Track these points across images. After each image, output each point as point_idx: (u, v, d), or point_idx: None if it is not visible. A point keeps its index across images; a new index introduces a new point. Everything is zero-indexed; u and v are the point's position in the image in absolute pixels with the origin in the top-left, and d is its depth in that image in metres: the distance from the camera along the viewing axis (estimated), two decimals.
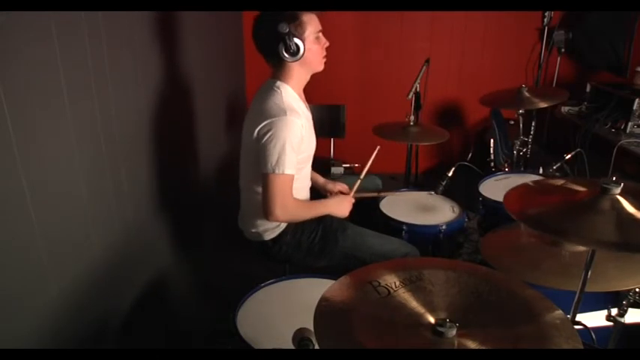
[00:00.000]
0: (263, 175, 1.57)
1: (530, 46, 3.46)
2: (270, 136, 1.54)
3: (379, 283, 1.01)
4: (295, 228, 1.76)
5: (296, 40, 1.56)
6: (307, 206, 1.76)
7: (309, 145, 1.69)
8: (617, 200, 1.04)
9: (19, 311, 1.10)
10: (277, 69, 1.67)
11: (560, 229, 1.02)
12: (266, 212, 1.59)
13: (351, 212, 1.83)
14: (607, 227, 1.00)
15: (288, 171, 1.54)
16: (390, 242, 1.80)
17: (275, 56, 1.59)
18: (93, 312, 1.40)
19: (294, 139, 1.55)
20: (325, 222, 1.79)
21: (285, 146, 1.53)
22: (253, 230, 1.77)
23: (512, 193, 1.20)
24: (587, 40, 3.21)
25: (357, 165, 3.22)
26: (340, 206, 1.79)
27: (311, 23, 1.60)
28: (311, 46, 1.61)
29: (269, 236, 1.76)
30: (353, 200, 1.84)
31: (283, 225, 1.75)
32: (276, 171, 1.53)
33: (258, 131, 1.57)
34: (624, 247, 0.98)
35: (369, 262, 1.70)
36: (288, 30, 1.53)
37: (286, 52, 1.57)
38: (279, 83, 1.65)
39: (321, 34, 1.65)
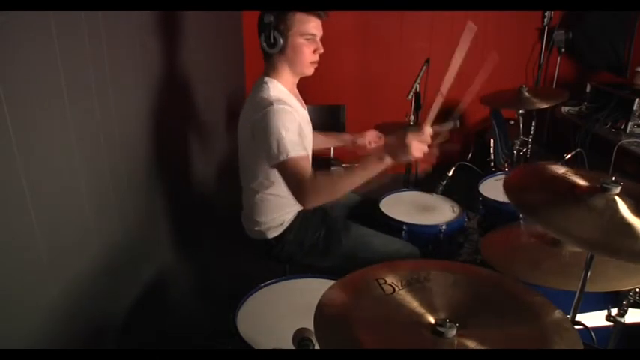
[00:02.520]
0: (276, 168, 1.54)
1: (530, 46, 3.46)
2: (263, 128, 1.52)
3: (385, 280, 1.01)
4: (299, 227, 1.76)
5: (276, 33, 1.57)
6: (344, 175, 1.52)
7: (305, 140, 1.68)
8: (614, 200, 1.03)
9: (19, 311, 1.10)
10: (266, 63, 1.69)
11: (549, 221, 1.01)
12: (298, 203, 1.50)
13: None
14: (595, 227, 0.98)
15: (292, 154, 1.48)
16: (392, 243, 1.80)
17: (261, 47, 1.62)
18: (93, 312, 1.40)
19: (288, 124, 1.51)
20: (329, 222, 1.79)
21: (280, 131, 1.48)
22: (256, 229, 1.77)
23: (515, 175, 1.20)
24: (587, 40, 3.22)
25: (357, 165, 3.22)
26: (402, 147, 1.40)
27: (304, 23, 1.60)
28: (296, 45, 1.61)
29: (272, 234, 1.76)
30: (427, 131, 1.45)
31: (287, 223, 1.75)
32: (280, 158, 1.48)
33: (252, 127, 1.58)
34: (610, 250, 0.96)
35: (371, 262, 1.71)
36: (271, 21, 1.55)
37: (265, 42, 1.59)
38: (267, 79, 1.66)
39: (317, 39, 1.65)
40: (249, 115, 1.61)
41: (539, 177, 1.21)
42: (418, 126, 1.45)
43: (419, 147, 1.42)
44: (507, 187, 1.13)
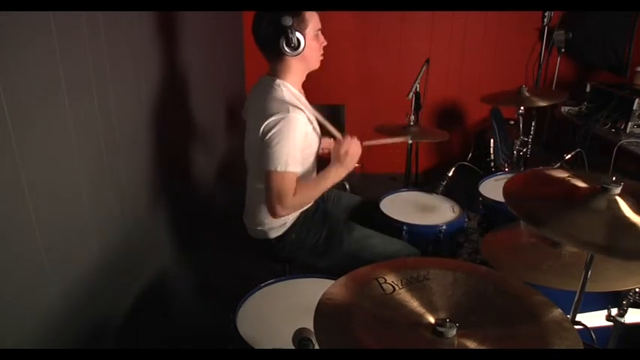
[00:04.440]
0: (266, 173, 1.57)
1: (530, 46, 3.46)
2: (274, 134, 1.53)
3: (385, 280, 1.01)
4: (301, 228, 1.76)
5: (298, 34, 1.56)
6: (311, 188, 1.68)
7: (314, 138, 1.70)
8: (615, 201, 1.03)
9: (19, 311, 1.10)
10: (275, 65, 1.66)
11: (551, 225, 1.01)
12: (268, 209, 1.60)
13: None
14: (598, 229, 0.98)
15: (291, 169, 1.53)
16: (393, 244, 1.80)
17: (275, 50, 1.59)
18: (93, 312, 1.40)
19: (298, 137, 1.55)
20: (331, 223, 1.79)
21: (289, 144, 1.52)
22: (259, 228, 1.77)
23: (514, 181, 1.19)
24: (587, 40, 3.21)
25: (357, 165, 3.22)
26: (346, 163, 1.69)
27: (312, 20, 1.61)
28: (310, 42, 1.62)
29: (274, 234, 1.76)
30: (358, 143, 1.72)
31: (289, 224, 1.75)
32: (279, 169, 1.53)
33: (263, 129, 1.56)
34: (610, 251, 0.96)
35: (371, 262, 1.71)
36: (291, 23, 1.53)
37: (287, 45, 1.57)
38: (278, 81, 1.65)
39: (320, 33, 1.66)
40: (262, 116, 1.57)
41: (538, 183, 1.21)
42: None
43: (353, 152, 1.70)
44: (508, 197, 1.12)
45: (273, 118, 1.54)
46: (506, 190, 1.14)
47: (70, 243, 1.28)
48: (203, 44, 2.43)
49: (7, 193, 1.04)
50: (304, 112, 1.60)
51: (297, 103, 1.62)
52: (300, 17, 1.57)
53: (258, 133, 1.58)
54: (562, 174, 1.21)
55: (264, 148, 1.56)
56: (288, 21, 1.52)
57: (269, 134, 1.54)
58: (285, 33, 1.55)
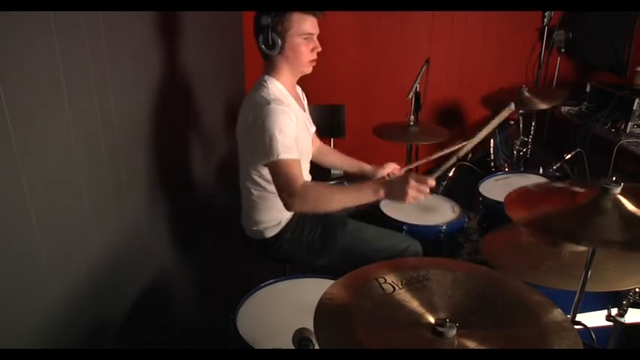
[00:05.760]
0: (267, 167, 1.57)
1: (530, 46, 3.45)
2: (258, 126, 1.54)
3: (385, 280, 1.01)
4: (296, 226, 1.76)
5: (274, 34, 1.58)
6: (336, 191, 1.59)
7: (302, 142, 1.69)
8: (619, 200, 1.04)
9: (19, 311, 1.10)
10: (266, 63, 1.70)
11: (565, 232, 1.02)
12: (283, 203, 1.53)
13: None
14: (611, 227, 1.00)
15: (282, 156, 1.51)
16: (390, 236, 1.79)
17: (259, 49, 1.64)
18: (93, 312, 1.40)
19: (282, 125, 1.53)
20: (325, 220, 1.79)
21: (274, 131, 1.51)
22: (254, 228, 1.77)
23: (513, 199, 1.19)
24: (587, 40, 3.21)
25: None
26: (400, 189, 1.46)
27: (302, 23, 1.61)
28: (295, 45, 1.62)
29: (270, 234, 1.76)
30: (431, 183, 1.49)
31: (284, 222, 1.75)
32: (271, 158, 1.52)
33: (248, 124, 1.60)
34: (629, 245, 0.98)
35: (370, 257, 1.71)
36: (269, 23, 1.56)
37: (263, 44, 1.61)
38: (266, 77, 1.68)
39: (314, 38, 1.66)
40: (247, 113, 1.62)
41: (539, 196, 1.22)
42: (421, 175, 1.53)
43: (415, 196, 1.47)
44: (513, 213, 1.12)
45: (254, 112, 1.57)
46: (512, 210, 1.13)
47: (70, 243, 1.28)
48: (203, 44, 2.43)
49: (7, 193, 1.03)
50: (290, 109, 1.60)
51: (281, 98, 1.63)
52: (283, 18, 1.58)
53: (245, 130, 1.62)
54: (559, 184, 1.22)
55: (255, 143, 1.57)
56: (266, 20, 1.56)
57: (255, 129, 1.56)
58: (262, 32, 1.59)
